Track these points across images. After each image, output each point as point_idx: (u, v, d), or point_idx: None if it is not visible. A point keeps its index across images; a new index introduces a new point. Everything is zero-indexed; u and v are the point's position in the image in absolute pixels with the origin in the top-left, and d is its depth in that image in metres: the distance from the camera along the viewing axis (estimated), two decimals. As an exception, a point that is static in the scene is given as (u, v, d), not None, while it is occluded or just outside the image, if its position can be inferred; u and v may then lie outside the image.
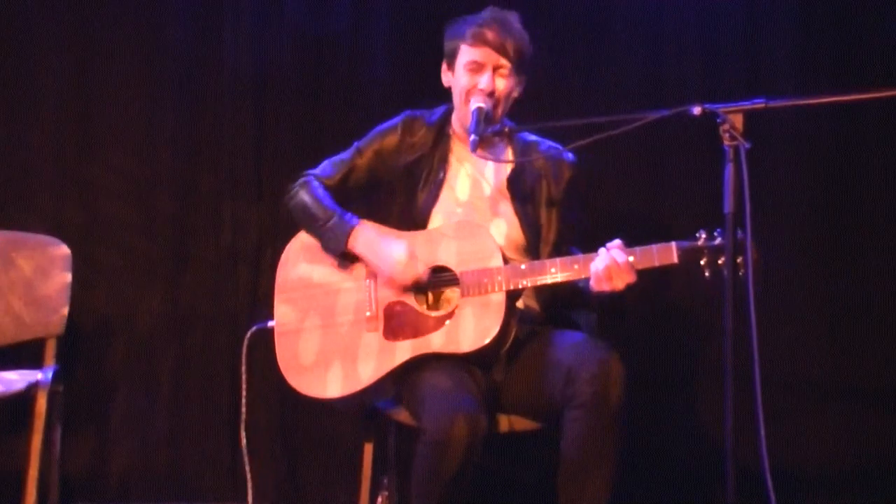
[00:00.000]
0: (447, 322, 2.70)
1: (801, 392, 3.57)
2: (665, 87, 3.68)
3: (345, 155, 2.96)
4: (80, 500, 3.57)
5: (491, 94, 2.79)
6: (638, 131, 2.42)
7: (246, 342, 2.98)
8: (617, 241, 2.62)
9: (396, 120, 2.95)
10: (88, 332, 3.62)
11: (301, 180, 2.95)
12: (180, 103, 3.69)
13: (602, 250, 2.61)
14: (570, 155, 2.93)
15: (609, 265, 2.58)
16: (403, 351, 2.72)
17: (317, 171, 2.96)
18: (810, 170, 3.65)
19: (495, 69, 2.79)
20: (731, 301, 2.23)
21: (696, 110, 2.31)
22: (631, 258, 2.59)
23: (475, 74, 2.80)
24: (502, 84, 2.80)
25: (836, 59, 3.63)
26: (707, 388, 3.60)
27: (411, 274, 2.74)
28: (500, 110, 2.82)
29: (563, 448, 2.56)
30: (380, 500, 3.00)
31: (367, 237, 2.81)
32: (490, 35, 2.78)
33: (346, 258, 2.84)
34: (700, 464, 3.51)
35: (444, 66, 2.91)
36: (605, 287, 2.59)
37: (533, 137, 2.96)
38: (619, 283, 2.59)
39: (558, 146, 2.91)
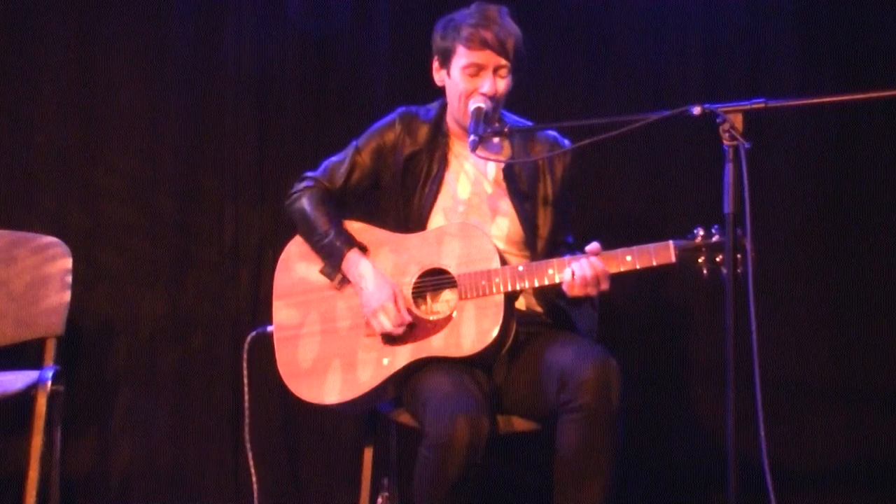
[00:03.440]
0: (446, 325, 2.69)
1: (801, 392, 3.57)
2: (666, 87, 3.68)
3: (343, 155, 2.93)
4: (81, 501, 3.57)
5: (492, 96, 2.75)
6: (638, 131, 2.43)
7: (246, 347, 2.99)
8: (594, 245, 2.61)
9: (393, 116, 2.91)
10: (90, 333, 3.63)
11: (302, 185, 2.92)
12: (182, 104, 3.70)
13: (581, 261, 2.60)
14: (567, 141, 2.90)
15: (583, 276, 2.58)
16: (402, 355, 2.70)
17: (318, 173, 2.94)
18: (811, 170, 3.65)
19: (495, 70, 2.75)
20: (732, 300, 2.23)
21: (696, 110, 2.30)
22: (628, 257, 2.58)
23: (475, 77, 2.76)
24: (503, 84, 2.77)
25: (838, 58, 3.63)
26: (707, 388, 3.60)
27: (381, 326, 2.71)
28: (499, 110, 2.81)
29: (560, 451, 2.54)
30: (380, 501, 2.99)
31: (359, 271, 2.78)
32: (489, 36, 2.72)
33: None
34: (700, 464, 3.52)
35: (435, 65, 2.85)
36: (578, 293, 2.60)
37: (527, 122, 2.91)
38: (592, 291, 2.60)
39: (554, 132, 2.89)
